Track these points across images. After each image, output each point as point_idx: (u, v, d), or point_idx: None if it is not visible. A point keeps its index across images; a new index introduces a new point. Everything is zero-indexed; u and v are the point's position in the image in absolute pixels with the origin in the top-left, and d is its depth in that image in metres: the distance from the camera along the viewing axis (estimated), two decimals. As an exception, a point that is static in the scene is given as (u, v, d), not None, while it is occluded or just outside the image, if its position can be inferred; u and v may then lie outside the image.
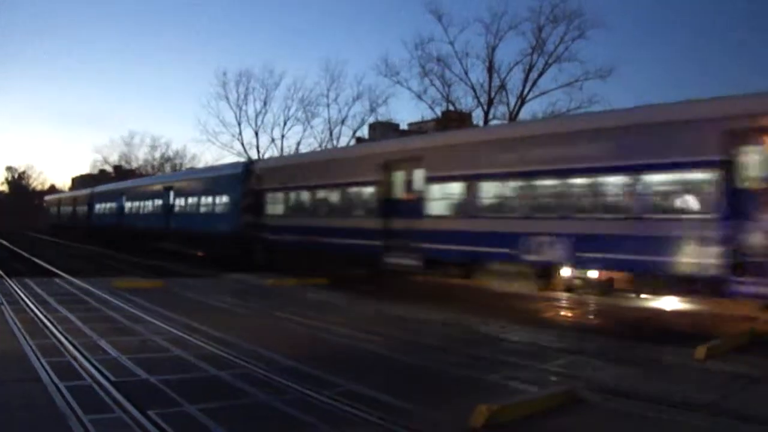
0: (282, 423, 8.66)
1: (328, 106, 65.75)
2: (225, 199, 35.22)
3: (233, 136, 71.79)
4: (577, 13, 48.60)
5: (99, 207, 61.46)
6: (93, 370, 10.75)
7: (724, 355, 13.04)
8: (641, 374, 11.78)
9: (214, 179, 37.20)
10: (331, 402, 9.38)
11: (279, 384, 10.39)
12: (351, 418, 8.75)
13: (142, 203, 49.48)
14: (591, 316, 19.38)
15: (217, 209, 36.01)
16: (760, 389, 10.90)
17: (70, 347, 12.54)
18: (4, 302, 18.14)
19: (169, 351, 12.74)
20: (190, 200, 39.80)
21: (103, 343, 13.02)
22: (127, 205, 52.49)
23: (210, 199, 36.94)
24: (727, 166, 14.77)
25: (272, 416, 8.88)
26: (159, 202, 44.38)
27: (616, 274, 18.16)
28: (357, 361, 12.57)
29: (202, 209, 37.85)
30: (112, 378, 10.27)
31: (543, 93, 51.59)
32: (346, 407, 9.10)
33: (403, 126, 64.20)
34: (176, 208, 41.47)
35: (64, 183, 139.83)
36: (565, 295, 21.02)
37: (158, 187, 46.34)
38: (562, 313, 20.15)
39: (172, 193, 42.14)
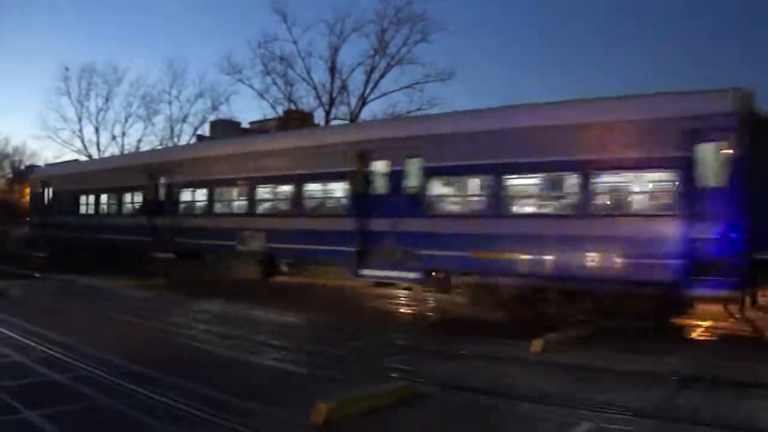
0: (124, 426, 8.62)
1: (170, 103, 63.70)
2: None
3: (74, 132, 68.40)
4: (420, 17, 49.30)
5: None
6: (-76, 379, 10.07)
7: (560, 349, 13.64)
8: (480, 368, 12.24)
9: None
10: (173, 403, 9.37)
11: (120, 386, 10.25)
12: (193, 419, 8.80)
13: None
14: (430, 313, 20.07)
15: None
16: (600, 379, 11.31)
17: None
18: None
19: (7, 356, 12.21)
20: None
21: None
22: None
23: None
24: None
25: (114, 420, 8.79)
26: None
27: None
28: (198, 362, 12.55)
29: None
30: (-55, 386, 9.70)
31: (384, 94, 52.22)
32: (189, 408, 9.13)
33: (245, 124, 63.44)
34: None
35: None
36: (402, 292, 21.78)
37: None
38: (401, 309, 20.78)
39: None
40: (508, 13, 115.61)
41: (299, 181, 21.27)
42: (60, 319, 17.01)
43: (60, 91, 66.39)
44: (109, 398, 9.64)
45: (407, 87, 50.17)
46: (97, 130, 66.49)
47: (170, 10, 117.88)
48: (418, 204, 17.75)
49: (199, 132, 62.18)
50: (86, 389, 10.08)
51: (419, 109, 47.85)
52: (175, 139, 61.27)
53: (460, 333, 15.47)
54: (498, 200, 16.46)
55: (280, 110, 54.00)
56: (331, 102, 52.26)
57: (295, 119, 50.86)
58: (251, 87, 54.16)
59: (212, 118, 62.46)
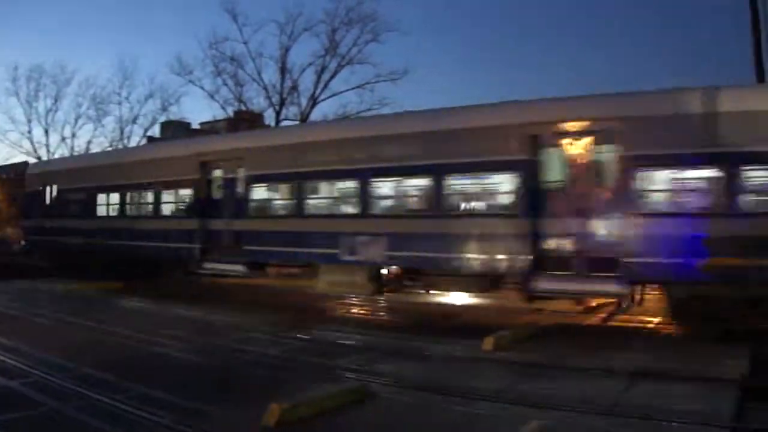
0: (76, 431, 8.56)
1: (119, 104, 62.99)
2: None
3: (22, 134, 67.10)
4: (371, 17, 49.46)
5: None
6: None
7: (511, 346, 13.61)
8: (432, 367, 12.25)
9: None
10: (124, 407, 9.35)
11: (72, 391, 10.20)
12: (145, 422, 8.79)
13: None
14: (382, 313, 19.99)
15: None
16: (549, 375, 11.39)
17: None
18: None
19: (-43, 364, 11.93)
20: None
21: None
22: None
23: None
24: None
25: (66, 425, 8.76)
26: None
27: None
28: (151, 365, 12.46)
29: None
30: None
31: (335, 94, 52.21)
32: (140, 411, 9.12)
33: (195, 125, 62.85)
34: None
35: None
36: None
37: None
38: (354, 310, 20.64)
39: None
40: (460, 13, 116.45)
41: (438, 172, 17.19)
42: (10, 323, 16.91)
43: (8, 92, 65.12)
44: (59, 403, 9.58)
45: (358, 87, 50.30)
46: (46, 132, 65.11)
47: (120, 8, 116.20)
48: (621, 200, 14.53)
49: (149, 133, 61.25)
50: (37, 395, 10.02)
51: (370, 110, 47.99)
52: (125, 141, 60.33)
53: (415, 333, 15.42)
54: (739, 195, 13.41)
55: (231, 111, 53.68)
56: (282, 102, 52.09)
57: (245, 120, 50.67)
58: (202, 88, 53.66)
59: (162, 119, 61.75)
